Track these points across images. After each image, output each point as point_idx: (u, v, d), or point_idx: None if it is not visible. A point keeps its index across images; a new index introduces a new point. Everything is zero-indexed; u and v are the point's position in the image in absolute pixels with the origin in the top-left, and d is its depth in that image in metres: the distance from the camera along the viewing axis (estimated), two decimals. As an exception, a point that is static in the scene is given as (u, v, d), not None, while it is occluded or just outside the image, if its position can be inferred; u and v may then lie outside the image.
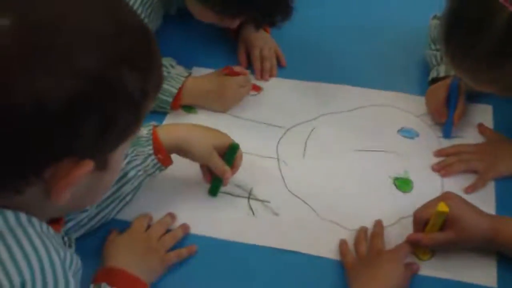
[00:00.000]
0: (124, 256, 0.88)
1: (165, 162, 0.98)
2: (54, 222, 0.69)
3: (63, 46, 0.52)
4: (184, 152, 0.98)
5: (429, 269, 0.92)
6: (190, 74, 1.21)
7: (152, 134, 0.95)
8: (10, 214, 0.59)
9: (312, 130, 1.16)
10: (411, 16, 1.38)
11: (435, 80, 1.20)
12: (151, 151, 0.95)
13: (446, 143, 1.13)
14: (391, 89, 1.24)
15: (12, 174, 0.55)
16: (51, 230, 0.64)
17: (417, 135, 1.15)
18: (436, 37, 1.17)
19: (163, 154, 0.96)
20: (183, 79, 1.17)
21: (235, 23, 1.20)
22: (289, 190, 1.04)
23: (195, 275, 0.91)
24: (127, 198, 0.96)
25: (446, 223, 0.90)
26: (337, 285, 0.90)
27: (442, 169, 1.07)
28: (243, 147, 1.01)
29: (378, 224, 0.97)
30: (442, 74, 1.19)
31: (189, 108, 1.19)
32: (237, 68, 1.22)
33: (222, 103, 1.20)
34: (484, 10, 0.84)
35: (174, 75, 1.17)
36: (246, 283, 0.91)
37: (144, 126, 0.96)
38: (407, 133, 1.15)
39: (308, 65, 1.31)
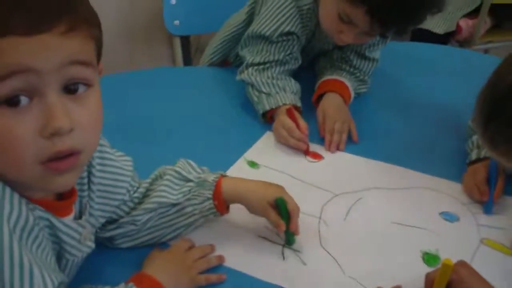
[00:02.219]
0: (158, 266, 1.00)
1: (221, 209, 1.09)
2: (61, 199, 0.83)
3: None
4: (242, 204, 1.10)
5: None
6: (293, 105, 1.44)
7: (216, 181, 1.08)
8: None
9: (358, 200, 1.25)
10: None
11: (472, 163, 1.27)
12: (210, 196, 1.07)
13: (484, 231, 1.18)
14: (439, 175, 1.33)
15: None
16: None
17: (458, 219, 1.21)
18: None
19: (219, 202, 1.08)
20: (279, 104, 1.43)
21: (351, 37, 1.37)
22: (322, 246, 1.13)
23: None
24: (179, 231, 1.09)
25: (452, 286, 0.95)
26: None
27: None
28: None
29: (397, 287, 1.03)
30: (482, 155, 1.27)
31: (252, 163, 1.33)
32: (300, 121, 1.38)
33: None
34: None
35: (276, 97, 1.44)
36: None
37: (213, 173, 1.10)
38: (448, 216, 1.22)
39: (362, 142, 1.43)
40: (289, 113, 1.40)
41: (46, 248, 0.81)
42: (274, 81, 1.46)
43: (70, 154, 0.74)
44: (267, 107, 1.44)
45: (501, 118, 0.97)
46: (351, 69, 1.59)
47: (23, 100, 0.69)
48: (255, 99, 1.48)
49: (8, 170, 0.73)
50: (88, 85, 0.75)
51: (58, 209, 0.84)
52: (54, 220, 0.82)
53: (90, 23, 0.74)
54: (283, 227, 1.08)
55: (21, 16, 0.67)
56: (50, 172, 0.74)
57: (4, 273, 0.70)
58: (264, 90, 1.45)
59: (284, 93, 1.45)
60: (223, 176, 1.11)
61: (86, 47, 0.74)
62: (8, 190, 0.74)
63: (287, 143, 1.38)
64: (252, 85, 1.48)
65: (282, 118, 1.39)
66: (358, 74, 1.59)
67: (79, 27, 0.71)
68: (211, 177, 1.09)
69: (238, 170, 1.31)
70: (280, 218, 1.08)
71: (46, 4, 0.69)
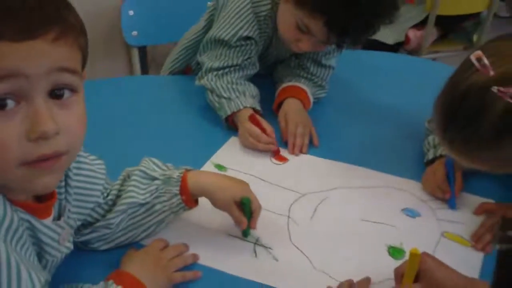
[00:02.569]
0: (135, 265, 1.02)
1: (189, 203, 1.12)
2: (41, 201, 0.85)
3: None
4: (207, 197, 1.13)
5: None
6: (253, 109, 1.49)
7: (182, 176, 1.11)
8: None
9: (324, 199, 1.30)
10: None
11: (429, 162, 1.34)
12: (178, 191, 1.10)
13: (444, 225, 1.24)
14: (400, 175, 1.39)
15: None
16: None
17: (419, 215, 1.27)
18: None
19: (187, 196, 1.11)
20: (239, 107, 1.48)
21: (309, 46, 1.42)
22: (292, 242, 1.17)
23: None
24: (150, 229, 1.11)
25: (420, 275, 1.01)
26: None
27: (485, 247, 1.17)
28: (262, 205, 1.16)
29: (366, 278, 1.08)
30: (438, 154, 1.34)
31: (219, 167, 1.36)
32: (265, 125, 1.43)
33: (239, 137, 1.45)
34: (481, 101, 0.97)
35: (236, 101, 1.48)
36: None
37: (177, 169, 1.13)
38: (410, 213, 1.27)
39: (323, 145, 1.48)
40: (252, 119, 1.44)
41: (29, 248, 0.82)
42: (234, 86, 1.50)
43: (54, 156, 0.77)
44: (229, 112, 1.47)
45: (457, 121, 1.03)
46: (309, 76, 1.63)
47: (10, 103, 0.71)
48: (216, 104, 1.51)
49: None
50: (73, 91, 0.78)
51: (38, 211, 0.85)
52: (34, 222, 0.84)
53: (78, 32, 0.77)
54: (245, 225, 1.13)
55: (12, 23, 0.69)
56: (33, 172, 0.76)
57: None
58: (224, 95, 1.49)
59: (244, 97, 1.49)
60: (188, 170, 1.13)
61: (73, 54, 0.76)
62: None
63: (256, 148, 1.42)
64: (212, 91, 1.51)
65: (247, 126, 1.43)
66: (316, 80, 1.64)
67: (67, 35, 0.74)
68: (176, 173, 1.11)
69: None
70: (243, 215, 1.12)
71: (37, 12, 0.72)
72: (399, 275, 1.04)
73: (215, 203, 1.13)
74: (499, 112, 0.96)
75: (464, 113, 1.01)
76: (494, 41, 1.03)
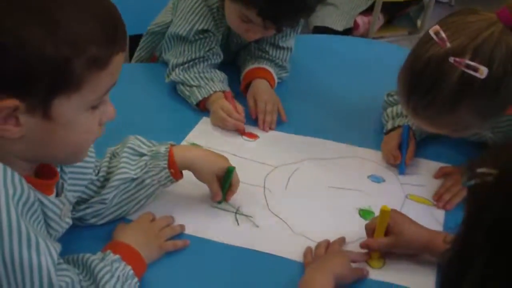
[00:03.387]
0: (129, 236, 1.08)
1: (176, 176, 1.18)
2: (45, 178, 0.92)
3: None
4: (191, 170, 1.20)
5: (380, 275, 1.11)
6: (222, 92, 1.55)
7: (168, 151, 1.17)
8: None
9: (295, 170, 1.38)
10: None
11: (388, 132, 1.46)
12: (166, 165, 1.16)
13: (408, 188, 1.35)
14: (364, 146, 1.49)
15: None
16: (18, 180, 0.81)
17: (384, 180, 1.37)
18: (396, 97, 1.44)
19: (175, 169, 1.17)
20: (210, 92, 1.54)
21: (258, 33, 1.49)
22: (270, 210, 1.25)
23: (185, 267, 1.10)
24: (142, 202, 1.17)
25: (389, 230, 1.11)
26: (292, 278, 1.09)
27: (446, 205, 1.29)
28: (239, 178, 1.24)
29: (340, 238, 1.17)
30: (396, 124, 1.44)
31: (194, 145, 1.43)
32: (237, 105, 1.51)
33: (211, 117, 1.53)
34: (439, 71, 1.08)
35: (205, 87, 1.53)
36: (227, 276, 1.09)
37: (163, 144, 1.19)
38: (375, 179, 1.37)
39: (290, 121, 1.57)
40: (227, 97, 1.52)
41: (41, 222, 0.88)
42: (202, 75, 1.57)
43: None
44: (200, 97, 1.54)
45: (419, 90, 1.13)
46: (270, 57, 1.71)
47: None
48: (187, 93, 1.56)
49: (66, 157, 0.91)
50: None
51: (45, 188, 0.91)
52: (42, 198, 0.89)
53: None
54: (220, 198, 1.22)
55: (122, 35, 0.84)
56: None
57: (13, 246, 0.79)
58: (194, 83, 1.55)
59: (212, 82, 1.56)
60: (172, 145, 1.20)
61: None
62: (9, 171, 0.81)
63: (225, 125, 1.49)
64: (182, 83, 1.58)
65: (221, 102, 1.51)
66: (277, 61, 1.71)
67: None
68: (162, 148, 1.18)
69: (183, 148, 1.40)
70: (220, 189, 1.21)
71: (123, 25, 0.85)
72: (370, 230, 1.14)
73: (199, 175, 1.21)
74: (455, 80, 1.07)
75: (425, 82, 1.11)
76: (451, 16, 1.13)
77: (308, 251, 1.14)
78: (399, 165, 1.39)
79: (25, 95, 0.77)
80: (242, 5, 1.41)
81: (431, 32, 1.10)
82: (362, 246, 1.13)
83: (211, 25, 1.58)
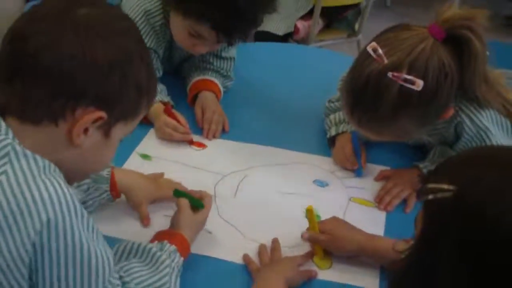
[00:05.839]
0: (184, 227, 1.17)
1: (116, 196, 1.25)
2: None
3: None
4: (125, 195, 1.27)
5: (327, 275, 1.19)
6: (166, 103, 1.58)
7: (110, 174, 1.22)
8: (41, 160, 0.82)
9: (244, 178, 1.44)
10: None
11: (332, 138, 1.53)
12: (108, 188, 1.22)
13: (351, 191, 1.42)
14: (307, 151, 1.56)
15: (61, 103, 0.82)
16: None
17: (328, 184, 1.44)
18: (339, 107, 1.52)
19: (116, 192, 1.24)
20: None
21: (205, 48, 1.53)
22: (220, 216, 1.31)
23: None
24: None
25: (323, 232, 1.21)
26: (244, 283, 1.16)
27: (387, 206, 1.36)
28: (189, 187, 1.31)
29: (275, 241, 1.24)
30: (340, 131, 1.52)
31: (144, 156, 1.47)
32: (179, 117, 1.54)
33: (156, 130, 1.55)
34: (379, 86, 1.15)
35: None
36: (183, 282, 1.12)
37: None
38: (320, 183, 1.44)
39: (243, 130, 1.62)
40: (167, 112, 1.55)
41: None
42: None
43: None
44: None
45: (362, 105, 1.21)
46: (215, 68, 1.75)
47: None
48: None
49: (91, 172, 1.03)
50: None
51: None
52: None
53: None
54: (148, 223, 1.27)
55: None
56: None
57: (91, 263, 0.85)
58: None
59: None
60: (113, 168, 1.25)
61: None
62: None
63: (172, 139, 1.53)
64: None
65: (163, 119, 1.54)
66: (221, 72, 1.76)
67: None
68: (104, 172, 1.22)
69: (133, 163, 1.44)
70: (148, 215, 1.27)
71: None
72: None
73: (130, 199, 1.27)
74: (394, 94, 1.15)
75: (367, 97, 1.18)
76: (385, 32, 1.21)
77: (247, 258, 1.20)
78: (357, 170, 1.47)
79: (109, 111, 0.85)
80: (194, 21, 1.44)
81: (369, 49, 1.17)
82: (303, 238, 1.21)
83: (153, 43, 1.60)
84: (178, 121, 1.54)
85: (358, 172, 1.47)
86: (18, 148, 0.82)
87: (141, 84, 0.88)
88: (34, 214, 0.78)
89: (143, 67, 0.89)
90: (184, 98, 1.69)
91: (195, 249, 1.20)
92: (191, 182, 1.34)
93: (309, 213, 1.21)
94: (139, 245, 1.07)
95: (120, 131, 0.91)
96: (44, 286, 0.82)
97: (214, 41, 1.49)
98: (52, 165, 0.84)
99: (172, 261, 1.07)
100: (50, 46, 0.80)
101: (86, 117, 0.83)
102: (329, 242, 1.20)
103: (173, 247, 1.09)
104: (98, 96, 0.83)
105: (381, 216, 1.35)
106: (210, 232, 1.26)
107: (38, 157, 0.82)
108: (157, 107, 1.56)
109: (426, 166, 1.41)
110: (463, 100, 1.29)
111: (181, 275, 1.13)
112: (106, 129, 0.88)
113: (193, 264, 1.18)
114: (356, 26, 3.17)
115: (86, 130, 0.85)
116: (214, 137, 1.58)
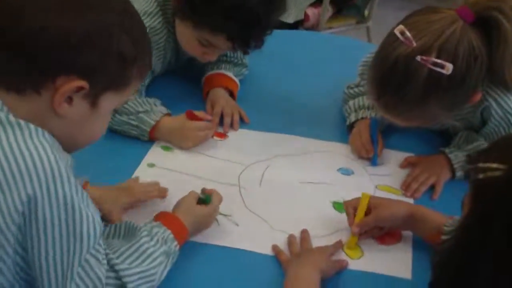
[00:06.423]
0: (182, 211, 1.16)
1: None
2: None
3: None
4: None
5: (359, 265, 1.17)
6: (169, 114, 1.48)
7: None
8: (26, 126, 0.84)
9: (267, 167, 1.42)
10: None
11: (351, 124, 1.51)
12: None
13: (376, 179, 1.40)
14: (329, 139, 1.54)
15: (42, 74, 0.85)
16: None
17: (353, 173, 1.42)
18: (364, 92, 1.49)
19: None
20: (161, 115, 1.44)
21: (215, 55, 1.50)
22: (247, 207, 1.29)
23: (171, 269, 1.09)
24: None
25: (369, 211, 1.18)
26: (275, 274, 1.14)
27: (414, 193, 1.34)
28: (213, 178, 1.33)
29: (305, 231, 1.22)
30: (360, 117, 1.50)
31: (166, 148, 1.45)
32: (199, 114, 1.48)
33: (183, 142, 1.45)
34: (408, 69, 1.13)
35: (155, 111, 1.45)
36: (214, 275, 1.13)
37: None
38: (345, 171, 1.42)
39: (263, 120, 1.60)
40: (190, 117, 1.47)
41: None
42: (143, 100, 1.49)
43: None
44: (153, 122, 1.44)
45: (389, 89, 1.18)
46: (228, 58, 1.72)
47: None
48: (134, 122, 1.45)
49: (83, 144, 0.98)
50: None
51: None
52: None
53: None
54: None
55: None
56: None
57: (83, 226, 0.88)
58: (140, 109, 1.45)
59: (155, 106, 1.49)
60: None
61: None
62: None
63: (206, 139, 1.48)
64: (127, 113, 1.46)
65: (188, 126, 1.46)
66: (235, 61, 1.73)
67: None
68: None
69: (156, 156, 1.43)
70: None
71: None
72: (351, 209, 1.21)
73: (101, 212, 1.16)
74: (423, 77, 1.13)
75: (395, 81, 1.16)
76: (412, 15, 1.19)
77: (277, 249, 1.18)
78: (372, 158, 1.44)
79: (91, 81, 0.87)
80: (208, 32, 1.41)
81: (397, 32, 1.14)
82: (354, 231, 1.18)
83: (153, 61, 1.53)
84: (202, 119, 1.49)
85: (373, 161, 1.44)
86: (1, 116, 0.84)
87: (124, 54, 0.89)
88: (26, 179, 0.82)
89: (125, 36, 0.89)
90: (184, 98, 1.65)
91: (223, 242, 1.19)
92: (215, 173, 1.34)
93: (365, 199, 1.20)
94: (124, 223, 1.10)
95: (109, 101, 0.92)
96: (32, 246, 0.86)
97: (227, 50, 1.47)
98: (40, 130, 0.86)
99: (155, 233, 1.06)
100: (25, 19, 0.83)
101: (66, 86, 0.85)
102: (379, 211, 1.18)
103: (157, 222, 1.09)
104: (76, 66, 0.85)
105: (409, 202, 1.33)
106: (237, 225, 1.24)
107: (22, 123, 0.85)
108: (165, 122, 1.46)
109: (451, 151, 1.39)
110: (490, 84, 1.27)
111: (212, 269, 1.13)
112: (93, 99, 0.90)
113: (223, 258, 1.17)
114: (366, 13, 3.14)
115: (71, 100, 0.87)
116: (232, 129, 1.55)
